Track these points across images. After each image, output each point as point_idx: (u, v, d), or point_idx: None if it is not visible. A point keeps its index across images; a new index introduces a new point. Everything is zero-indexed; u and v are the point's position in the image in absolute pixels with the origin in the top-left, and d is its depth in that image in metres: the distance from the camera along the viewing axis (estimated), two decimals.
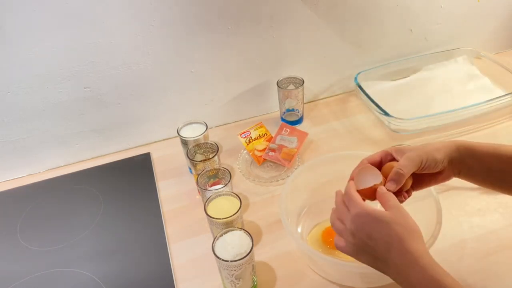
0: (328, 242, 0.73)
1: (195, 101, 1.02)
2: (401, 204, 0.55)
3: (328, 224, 0.76)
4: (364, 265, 0.56)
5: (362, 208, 0.54)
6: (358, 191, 0.58)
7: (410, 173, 0.58)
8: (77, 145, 0.98)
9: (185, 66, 0.95)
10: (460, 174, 0.62)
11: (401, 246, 0.50)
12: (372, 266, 0.55)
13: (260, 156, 0.94)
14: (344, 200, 0.58)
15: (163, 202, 0.89)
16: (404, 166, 0.57)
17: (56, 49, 0.83)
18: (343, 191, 0.59)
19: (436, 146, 0.60)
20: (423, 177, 0.62)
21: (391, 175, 0.58)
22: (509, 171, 0.59)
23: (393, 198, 0.55)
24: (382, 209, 0.55)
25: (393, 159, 0.61)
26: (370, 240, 0.53)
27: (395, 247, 0.51)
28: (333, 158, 0.81)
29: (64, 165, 1.00)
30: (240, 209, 0.71)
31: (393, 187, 0.57)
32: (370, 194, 0.58)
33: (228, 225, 0.70)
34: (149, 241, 0.80)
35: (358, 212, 0.54)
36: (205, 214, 0.71)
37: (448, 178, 0.63)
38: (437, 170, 0.60)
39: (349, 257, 0.57)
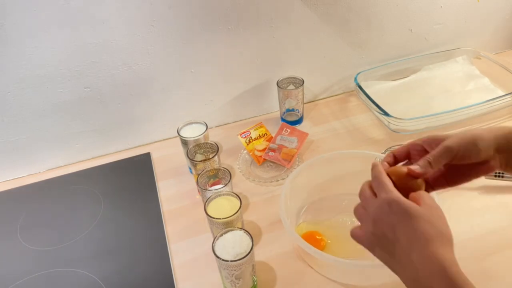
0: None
1: (195, 101, 1.02)
2: (439, 205, 0.48)
3: (311, 228, 0.76)
4: (364, 264, 0.56)
5: (394, 195, 0.47)
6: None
7: (441, 163, 0.51)
8: (77, 145, 0.98)
9: (185, 66, 0.95)
10: (507, 166, 0.53)
11: (427, 249, 0.44)
12: (386, 265, 0.48)
13: (260, 156, 0.94)
14: (372, 185, 0.50)
15: (163, 202, 0.89)
16: (433, 155, 0.50)
17: (56, 49, 0.83)
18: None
19: (480, 132, 0.51)
20: (462, 168, 0.53)
21: (418, 162, 0.50)
22: None
23: (428, 196, 0.48)
24: None
25: (424, 151, 0.54)
26: (392, 234, 0.46)
27: (419, 249, 0.44)
28: (333, 157, 0.81)
29: (64, 165, 1.00)
30: (240, 209, 0.71)
31: (416, 168, 0.50)
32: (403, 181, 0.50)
33: (228, 225, 0.70)
34: (149, 241, 0.80)
35: (388, 198, 0.47)
36: (205, 214, 0.71)
37: (492, 170, 0.54)
38: (479, 160, 0.51)
39: (348, 255, 0.57)
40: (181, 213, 0.86)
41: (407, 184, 0.50)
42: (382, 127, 1.01)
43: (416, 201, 0.47)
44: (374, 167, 0.52)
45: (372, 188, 0.50)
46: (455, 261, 0.44)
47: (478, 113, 0.96)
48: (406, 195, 0.48)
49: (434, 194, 0.69)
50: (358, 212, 0.51)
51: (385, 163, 0.54)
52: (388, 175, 0.50)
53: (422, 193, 0.49)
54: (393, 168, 0.53)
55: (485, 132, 0.52)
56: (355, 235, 0.51)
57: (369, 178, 0.52)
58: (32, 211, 0.89)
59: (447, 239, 0.45)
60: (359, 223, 0.51)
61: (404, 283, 0.46)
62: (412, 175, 0.51)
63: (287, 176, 0.78)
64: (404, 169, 0.51)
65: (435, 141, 0.53)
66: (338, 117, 1.06)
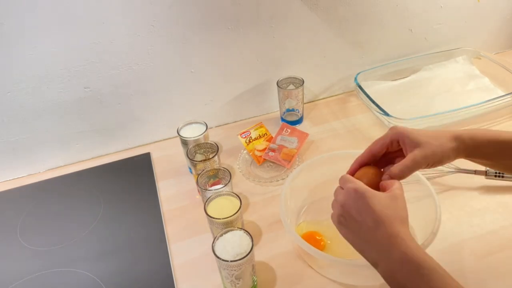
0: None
1: (195, 101, 1.02)
2: (402, 193, 0.55)
3: (311, 228, 0.76)
4: (364, 264, 0.56)
5: (359, 184, 0.55)
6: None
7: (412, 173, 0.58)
8: (77, 145, 0.98)
9: (185, 66, 0.95)
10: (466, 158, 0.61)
11: (391, 228, 0.51)
12: (351, 243, 0.55)
13: (260, 156, 0.94)
14: (340, 184, 0.59)
15: (163, 202, 0.89)
16: (408, 169, 0.57)
17: (56, 49, 0.83)
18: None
19: (441, 141, 0.58)
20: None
21: (394, 174, 0.57)
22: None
23: (398, 183, 0.56)
24: None
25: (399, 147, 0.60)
26: (359, 216, 0.53)
27: (384, 228, 0.51)
28: (332, 157, 0.81)
29: (64, 165, 1.00)
30: (240, 209, 0.71)
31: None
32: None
33: (228, 225, 0.70)
34: (149, 241, 0.80)
35: (353, 186, 0.55)
36: (205, 214, 0.71)
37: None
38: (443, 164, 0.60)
39: (348, 255, 0.57)
40: (181, 213, 0.86)
41: (372, 180, 0.59)
42: (382, 127, 1.01)
43: (384, 188, 0.56)
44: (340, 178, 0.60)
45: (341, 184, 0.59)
46: (413, 238, 0.52)
47: (478, 113, 0.96)
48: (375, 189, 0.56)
49: (434, 192, 0.69)
50: (332, 204, 0.58)
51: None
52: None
53: (391, 182, 0.56)
54: (361, 171, 0.61)
55: (445, 139, 0.58)
56: (331, 217, 0.58)
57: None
58: (32, 211, 0.89)
59: (406, 220, 0.54)
60: None
61: (367, 258, 0.54)
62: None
63: (287, 176, 0.78)
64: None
65: (407, 142, 0.58)
66: (338, 117, 1.06)
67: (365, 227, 0.53)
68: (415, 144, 0.57)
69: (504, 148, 0.58)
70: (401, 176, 0.57)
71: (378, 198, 0.53)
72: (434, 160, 0.57)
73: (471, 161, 0.62)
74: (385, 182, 0.57)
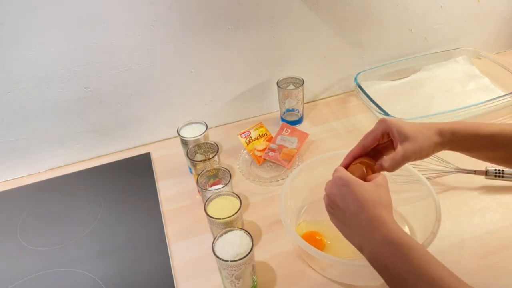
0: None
1: (195, 101, 1.02)
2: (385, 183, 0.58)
3: (311, 228, 0.76)
4: (364, 264, 0.56)
5: (342, 173, 0.58)
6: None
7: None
8: (77, 145, 0.98)
9: (185, 66, 0.95)
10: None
11: (373, 211, 0.54)
12: (340, 230, 0.58)
13: (260, 156, 0.94)
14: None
15: (163, 202, 0.89)
16: (397, 163, 0.60)
17: (56, 49, 0.83)
18: None
19: (428, 136, 0.60)
20: None
21: (384, 168, 0.60)
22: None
23: (382, 175, 0.59)
24: None
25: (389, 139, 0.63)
26: (343, 203, 0.56)
27: (366, 211, 0.54)
28: (332, 157, 0.81)
29: (64, 165, 1.00)
30: (240, 209, 0.71)
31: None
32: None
33: (228, 225, 0.70)
34: (149, 241, 0.80)
35: (338, 175, 0.58)
36: (205, 214, 0.71)
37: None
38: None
39: (348, 255, 0.57)
40: (181, 213, 0.86)
41: (364, 174, 0.61)
42: None
43: (369, 180, 0.59)
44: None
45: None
46: (395, 221, 0.54)
47: (478, 113, 0.96)
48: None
49: (434, 192, 0.69)
50: (323, 196, 0.61)
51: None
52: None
53: (376, 175, 0.59)
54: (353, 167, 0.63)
55: (430, 133, 0.60)
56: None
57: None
58: (32, 211, 0.89)
59: (388, 205, 0.56)
60: None
61: (353, 243, 0.56)
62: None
63: (287, 176, 0.78)
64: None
65: (397, 134, 0.60)
66: (338, 117, 1.06)
67: (348, 213, 0.55)
68: (404, 138, 0.60)
69: (484, 141, 0.61)
70: (391, 169, 0.60)
71: (361, 185, 0.56)
72: (422, 154, 0.60)
73: (466, 155, 0.65)
74: (370, 176, 0.60)
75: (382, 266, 0.51)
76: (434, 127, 0.61)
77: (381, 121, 0.62)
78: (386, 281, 0.51)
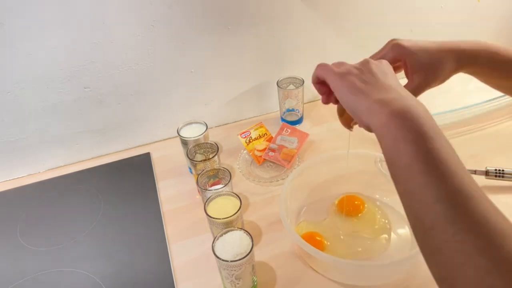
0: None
1: (195, 101, 1.02)
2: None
3: (311, 228, 0.76)
4: (363, 264, 0.56)
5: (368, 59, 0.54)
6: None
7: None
8: (77, 145, 0.98)
9: (185, 66, 0.95)
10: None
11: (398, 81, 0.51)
12: (357, 91, 0.50)
13: (260, 156, 0.94)
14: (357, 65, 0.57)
15: (163, 202, 0.89)
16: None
17: (56, 49, 0.83)
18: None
19: (444, 63, 0.58)
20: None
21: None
22: None
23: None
24: None
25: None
26: (371, 74, 0.51)
27: (395, 78, 0.51)
28: (333, 157, 0.81)
29: (64, 165, 1.00)
30: (240, 209, 0.71)
31: None
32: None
33: (228, 225, 0.70)
34: (149, 241, 0.80)
35: (368, 60, 0.55)
36: (205, 214, 0.71)
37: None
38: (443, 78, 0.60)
39: (348, 255, 0.57)
40: (181, 213, 0.86)
41: None
42: None
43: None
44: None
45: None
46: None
47: (478, 113, 0.96)
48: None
49: None
50: (328, 67, 0.57)
51: None
52: None
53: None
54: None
55: (446, 53, 0.59)
56: (324, 70, 0.56)
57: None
58: (32, 211, 0.89)
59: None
60: None
61: (372, 107, 0.47)
62: None
63: (287, 176, 0.78)
64: None
65: (405, 58, 0.58)
66: None
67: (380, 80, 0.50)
68: (418, 68, 0.57)
69: (505, 70, 0.59)
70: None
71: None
72: (435, 83, 0.58)
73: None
74: None
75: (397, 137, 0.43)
76: (454, 50, 0.58)
77: (394, 47, 0.59)
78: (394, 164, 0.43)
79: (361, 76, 0.51)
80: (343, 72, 0.53)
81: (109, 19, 0.83)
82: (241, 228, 0.66)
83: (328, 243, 0.74)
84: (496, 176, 0.81)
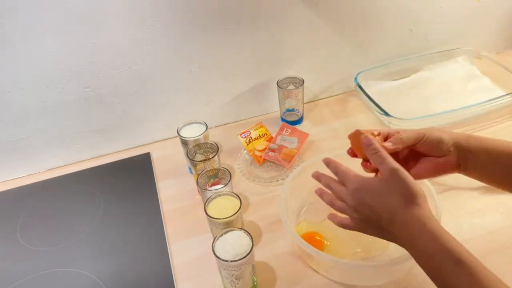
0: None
1: (195, 101, 1.02)
2: (398, 165, 0.53)
3: (312, 227, 0.76)
4: (363, 264, 0.56)
5: (359, 182, 0.55)
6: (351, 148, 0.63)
7: (409, 142, 0.58)
8: (77, 145, 0.98)
9: (185, 66, 0.95)
10: (466, 167, 0.60)
11: (404, 215, 0.50)
12: (382, 238, 0.55)
13: (260, 156, 0.94)
14: (338, 179, 0.59)
15: (163, 202, 0.89)
16: (405, 132, 0.58)
17: (56, 49, 0.83)
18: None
19: (443, 129, 0.59)
20: (425, 162, 0.61)
21: (390, 139, 0.58)
22: None
23: (388, 157, 0.54)
24: None
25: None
26: (373, 214, 0.53)
27: (398, 218, 0.51)
28: (332, 157, 0.81)
29: (64, 165, 1.00)
30: (240, 209, 0.71)
31: (388, 145, 0.58)
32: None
33: (228, 225, 0.70)
34: (149, 241, 0.80)
35: (356, 187, 0.55)
36: (205, 214, 0.71)
37: (451, 168, 0.61)
38: (442, 152, 0.59)
39: (348, 255, 0.57)
40: (181, 213, 0.86)
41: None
42: (382, 127, 1.01)
43: (378, 164, 0.55)
44: (328, 164, 0.62)
45: (339, 181, 0.59)
46: (430, 217, 0.50)
47: (478, 113, 0.96)
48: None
49: (434, 192, 0.69)
50: (337, 205, 0.59)
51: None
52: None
53: (380, 154, 0.55)
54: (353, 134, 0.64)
55: (447, 130, 0.60)
56: (346, 226, 0.58)
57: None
58: (32, 211, 0.89)
59: (419, 198, 0.51)
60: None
61: (401, 245, 0.53)
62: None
63: (287, 176, 0.78)
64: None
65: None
66: (338, 117, 1.06)
67: (384, 221, 0.53)
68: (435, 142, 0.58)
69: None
70: (399, 141, 0.59)
71: (381, 188, 0.53)
72: (431, 133, 0.58)
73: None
74: (374, 156, 0.57)
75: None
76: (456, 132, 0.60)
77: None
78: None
79: (370, 224, 0.56)
80: (358, 227, 0.58)
81: (109, 19, 0.83)
82: (241, 228, 0.66)
83: (328, 243, 0.74)
84: None
